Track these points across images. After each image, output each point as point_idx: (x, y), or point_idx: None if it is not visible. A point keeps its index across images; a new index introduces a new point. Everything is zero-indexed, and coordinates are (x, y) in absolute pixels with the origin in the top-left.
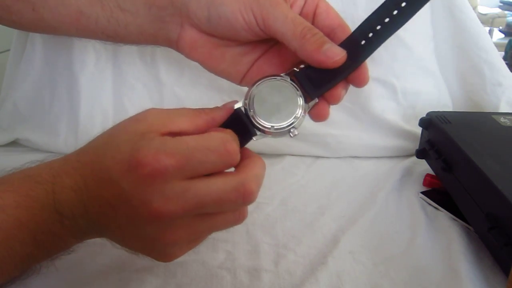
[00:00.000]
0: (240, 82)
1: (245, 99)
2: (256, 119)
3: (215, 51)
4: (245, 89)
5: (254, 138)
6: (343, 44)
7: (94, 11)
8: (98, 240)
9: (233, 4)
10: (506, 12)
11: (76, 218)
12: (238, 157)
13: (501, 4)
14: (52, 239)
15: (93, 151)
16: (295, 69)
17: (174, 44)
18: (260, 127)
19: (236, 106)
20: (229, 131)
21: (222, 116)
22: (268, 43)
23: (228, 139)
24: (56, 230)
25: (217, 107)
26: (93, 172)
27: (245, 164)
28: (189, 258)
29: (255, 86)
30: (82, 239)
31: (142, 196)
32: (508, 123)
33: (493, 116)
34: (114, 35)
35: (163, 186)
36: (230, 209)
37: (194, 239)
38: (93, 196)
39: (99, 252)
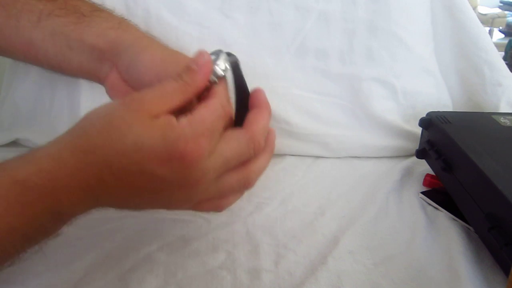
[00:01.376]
0: None
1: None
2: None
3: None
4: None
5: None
6: None
7: (45, 45)
8: (97, 240)
9: (148, 70)
10: (506, 12)
11: (79, 210)
12: (231, 112)
13: (501, 4)
14: (45, 233)
15: (100, 150)
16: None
17: (101, 80)
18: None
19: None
20: (221, 93)
21: (204, 82)
22: None
23: (224, 104)
24: (52, 226)
25: (193, 71)
26: (112, 169)
27: (254, 116)
28: (189, 259)
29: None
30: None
31: (183, 177)
32: (508, 123)
33: (493, 116)
34: (57, 67)
35: (203, 164)
36: (246, 159)
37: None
38: (112, 187)
39: (99, 251)
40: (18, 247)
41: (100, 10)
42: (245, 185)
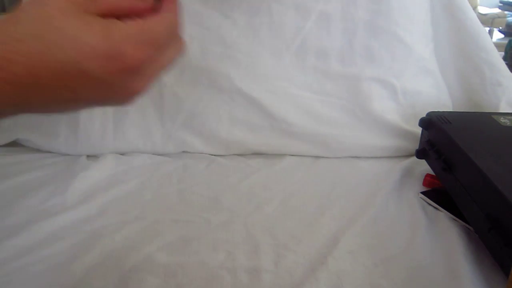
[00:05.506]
0: None
1: None
2: None
3: None
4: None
5: None
6: None
7: None
8: (97, 240)
9: None
10: (506, 12)
11: (5, 112)
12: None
13: (501, 4)
14: None
15: (32, 40)
16: None
17: None
18: None
19: None
20: (176, 10)
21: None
22: None
23: (176, 21)
24: None
25: None
26: (45, 64)
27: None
28: (189, 259)
29: None
30: None
31: (121, 80)
32: (508, 123)
33: (493, 116)
34: None
35: (143, 71)
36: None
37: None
38: (45, 85)
39: (99, 251)
40: None
41: None
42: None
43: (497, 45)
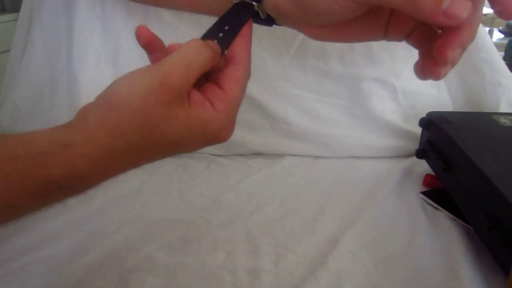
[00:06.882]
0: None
1: None
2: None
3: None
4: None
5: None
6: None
7: None
8: (97, 240)
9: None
10: None
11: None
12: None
13: None
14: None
15: (140, 149)
16: None
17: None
18: None
19: None
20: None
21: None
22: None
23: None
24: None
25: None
26: (149, 159)
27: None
28: (189, 259)
29: None
30: None
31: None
32: (508, 123)
33: (493, 116)
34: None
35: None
36: None
37: None
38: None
39: (99, 251)
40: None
41: None
42: None
43: (497, 45)
